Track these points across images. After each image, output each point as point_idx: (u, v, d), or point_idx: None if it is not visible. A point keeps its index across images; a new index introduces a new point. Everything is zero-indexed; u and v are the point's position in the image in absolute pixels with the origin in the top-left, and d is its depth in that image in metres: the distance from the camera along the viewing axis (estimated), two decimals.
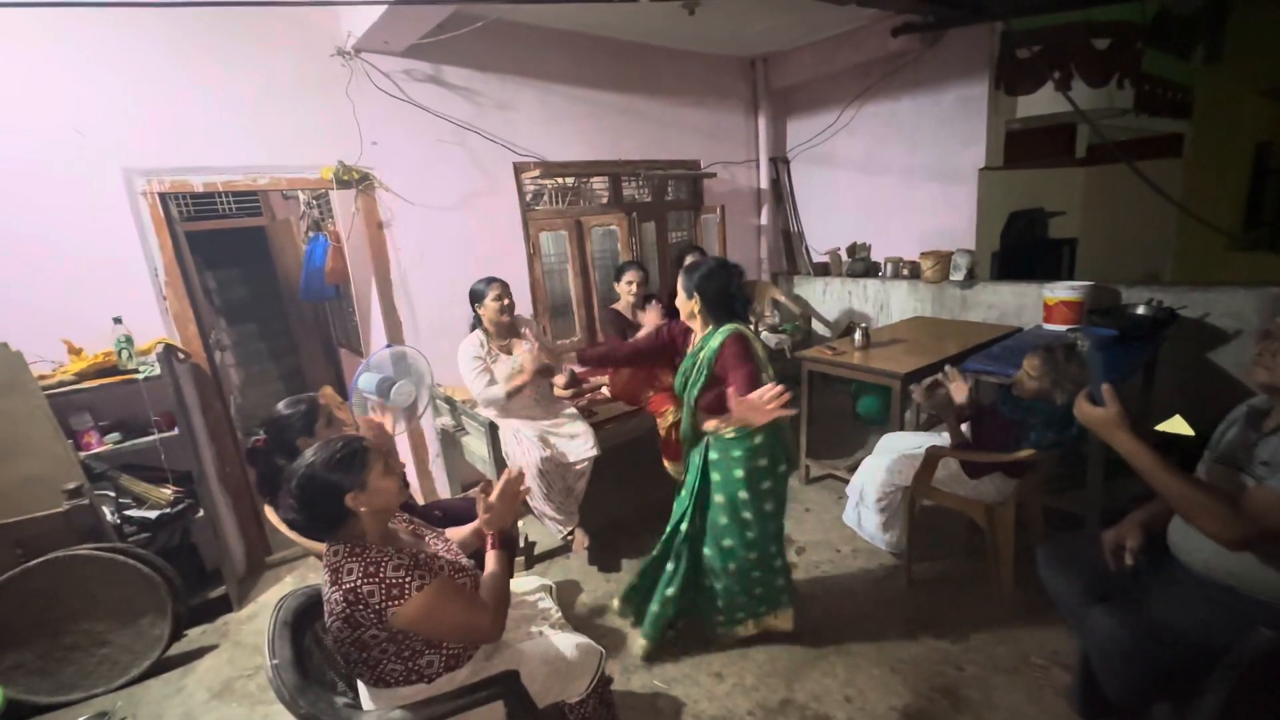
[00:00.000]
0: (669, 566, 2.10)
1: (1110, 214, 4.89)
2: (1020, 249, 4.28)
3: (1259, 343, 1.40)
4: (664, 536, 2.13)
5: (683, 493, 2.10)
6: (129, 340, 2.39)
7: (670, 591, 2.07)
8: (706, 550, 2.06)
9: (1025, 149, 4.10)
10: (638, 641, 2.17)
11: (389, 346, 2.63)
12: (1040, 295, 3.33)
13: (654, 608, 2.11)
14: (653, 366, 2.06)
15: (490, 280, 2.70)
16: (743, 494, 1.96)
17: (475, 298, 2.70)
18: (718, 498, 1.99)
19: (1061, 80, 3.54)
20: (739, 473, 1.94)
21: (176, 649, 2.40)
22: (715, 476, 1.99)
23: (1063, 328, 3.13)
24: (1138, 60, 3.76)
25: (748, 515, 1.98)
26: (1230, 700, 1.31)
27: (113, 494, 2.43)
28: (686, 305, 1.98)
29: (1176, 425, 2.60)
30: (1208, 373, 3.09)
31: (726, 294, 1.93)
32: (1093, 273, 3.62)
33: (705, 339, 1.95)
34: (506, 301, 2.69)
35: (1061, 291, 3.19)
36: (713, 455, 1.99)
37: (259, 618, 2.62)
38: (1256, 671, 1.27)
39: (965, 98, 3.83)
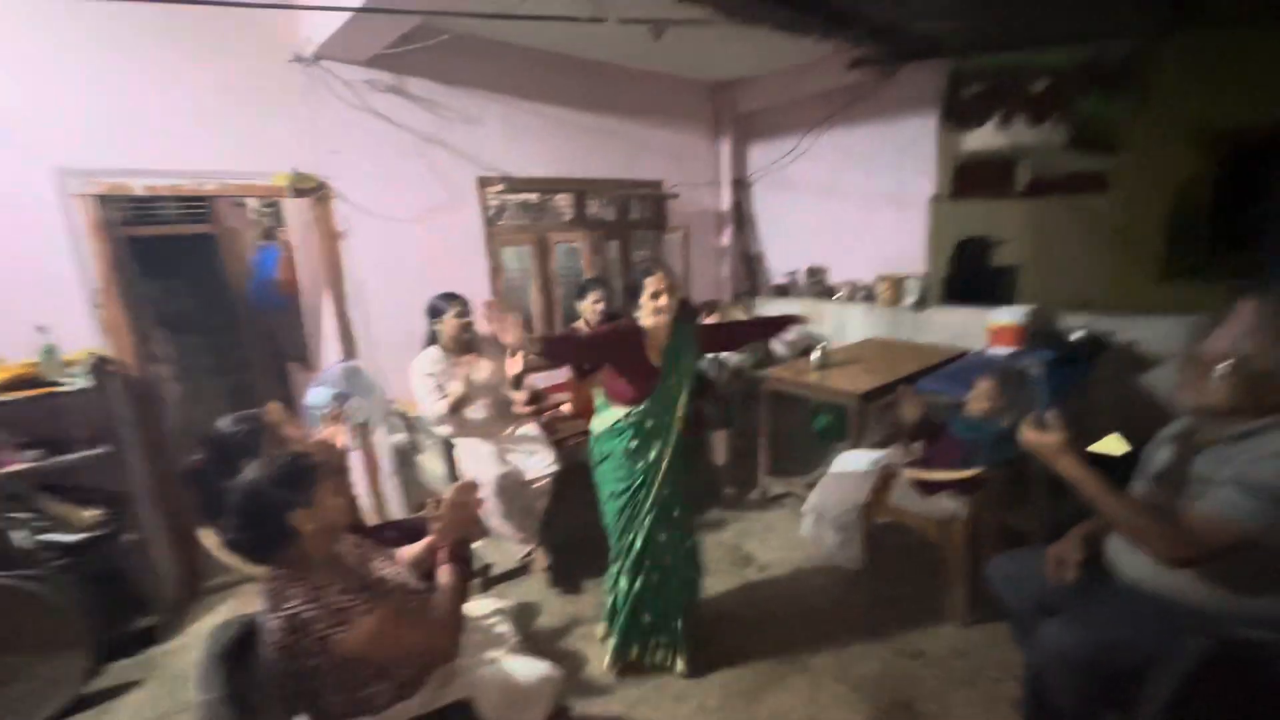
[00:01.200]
0: (670, 572, 2.10)
1: (1048, 244, 5.17)
2: (968, 275, 4.48)
3: (1186, 367, 1.48)
4: (651, 556, 2.07)
5: (654, 504, 2.04)
6: (54, 350, 2.23)
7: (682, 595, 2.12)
8: (689, 543, 2.16)
9: (972, 180, 4.31)
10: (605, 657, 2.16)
11: (342, 362, 2.54)
12: (986, 319, 3.49)
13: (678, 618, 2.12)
14: (608, 360, 2.06)
15: (451, 296, 2.65)
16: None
17: (434, 313, 2.65)
18: (667, 490, 2.06)
19: (1004, 117, 3.76)
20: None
21: (97, 685, 2.21)
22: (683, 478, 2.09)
23: (1006, 350, 3.28)
24: (1072, 101, 4.03)
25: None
26: (1168, 706, 1.36)
27: (26, 516, 2.24)
28: (675, 299, 1.98)
29: (1112, 444, 2.73)
30: (1138, 395, 3.28)
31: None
32: (1033, 299, 3.81)
33: (679, 338, 2.03)
34: (467, 319, 2.65)
35: (1005, 316, 3.35)
36: (680, 461, 2.06)
37: (191, 649, 2.44)
38: (1192, 679, 1.33)
39: (917, 130, 4.01)
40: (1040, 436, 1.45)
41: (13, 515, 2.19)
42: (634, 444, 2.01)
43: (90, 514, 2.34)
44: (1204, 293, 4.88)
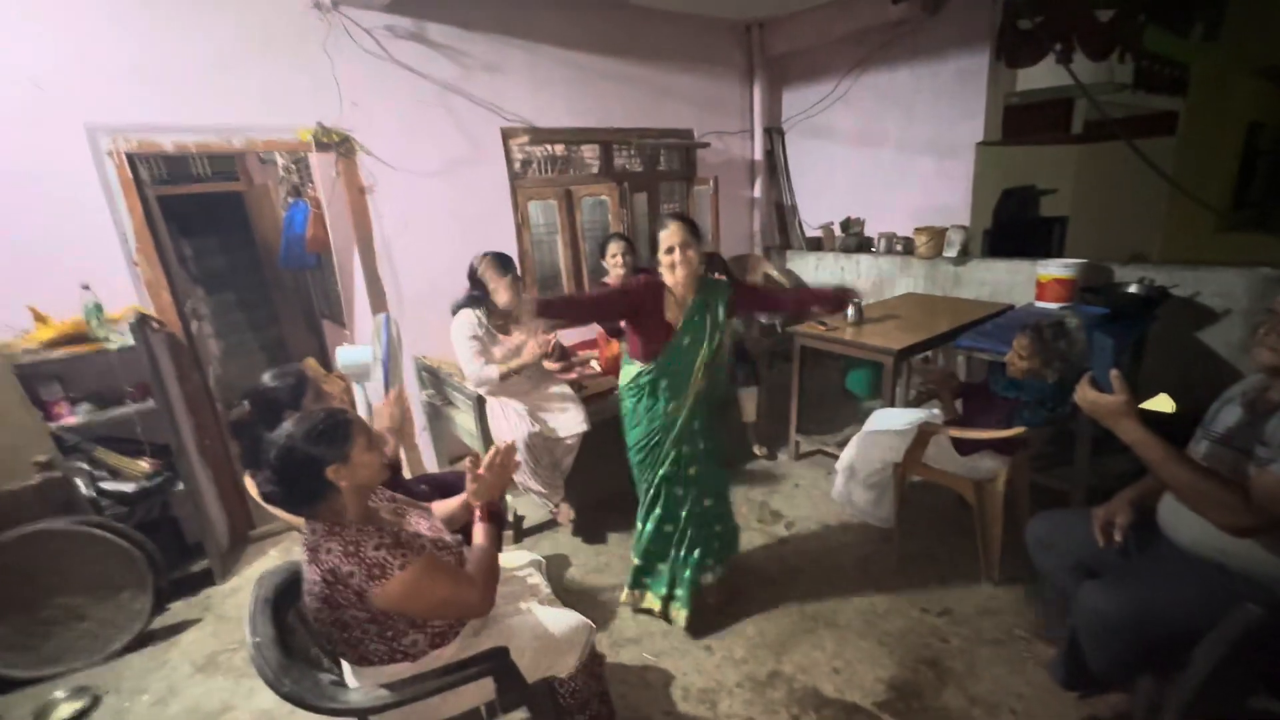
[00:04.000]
0: (683, 530, 2.11)
1: (1101, 192, 4.87)
2: (1012, 226, 4.26)
3: (1264, 323, 1.37)
4: (663, 507, 2.10)
5: (685, 459, 2.05)
6: (99, 308, 2.29)
7: (695, 555, 2.11)
8: (708, 502, 2.12)
9: (1023, 124, 4.04)
10: (679, 615, 2.15)
11: (377, 316, 2.55)
12: (1033, 272, 3.32)
13: (688, 574, 2.12)
14: (607, 320, 2.06)
15: (504, 258, 2.56)
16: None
17: (491, 277, 2.53)
18: (707, 444, 2.08)
19: (1063, 53, 3.47)
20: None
21: (159, 623, 2.37)
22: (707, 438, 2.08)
23: (1055, 305, 3.13)
24: (1139, 34, 3.70)
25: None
26: (1213, 673, 1.33)
27: (87, 467, 2.35)
28: (696, 258, 1.92)
29: (1161, 403, 2.61)
30: (1197, 352, 3.10)
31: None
32: (1083, 251, 3.60)
33: (706, 296, 1.97)
34: (520, 284, 2.63)
35: (1054, 269, 3.18)
36: (700, 421, 2.05)
37: (243, 591, 2.59)
38: (1241, 645, 1.29)
39: (964, 70, 3.75)
40: (1100, 398, 1.37)
41: (73, 466, 2.30)
42: (646, 402, 2.02)
43: (144, 464, 2.45)
44: (1273, 243, 4.56)
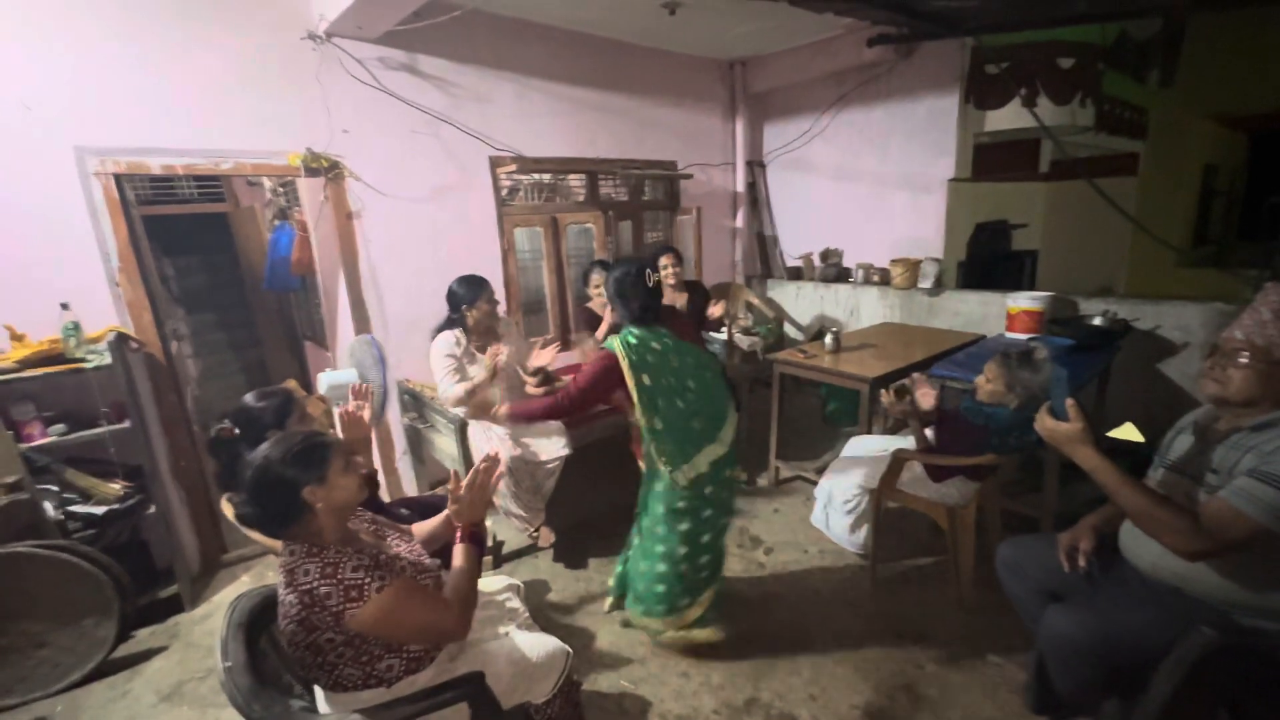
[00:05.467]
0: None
1: (1069, 228, 5.08)
2: (985, 259, 4.41)
3: (1209, 357, 1.45)
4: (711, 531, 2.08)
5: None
6: (77, 327, 2.28)
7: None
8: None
9: (992, 162, 4.23)
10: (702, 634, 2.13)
11: (358, 337, 2.56)
12: (1003, 304, 3.44)
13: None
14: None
15: (479, 281, 2.63)
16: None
17: (464, 300, 2.61)
18: None
19: (1028, 96, 3.66)
20: None
21: (123, 650, 2.30)
22: None
23: (1024, 336, 3.23)
24: (1099, 80, 3.91)
25: None
26: (1173, 697, 1.36)
27: (56, 488, 2.31)
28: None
29: (1128, 432, 2.70)
30: (1157, 382, 3.22)
31: (622, 295, 1.95)
32: (1052, 284, 3.74)
33: None
34: (496, 304, 2.67)
35: (1024, 301, 3.29)
36: None
37: (213, 618, 2.53)
38: (1198, 669, 1.33)
39: (936, 110, 3.92)
40: (1057, 426, 1.43)
41: (41, 487, 2.25)
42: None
43: (115, 486, 2.40)
44: (1228, 279, 4.78)
